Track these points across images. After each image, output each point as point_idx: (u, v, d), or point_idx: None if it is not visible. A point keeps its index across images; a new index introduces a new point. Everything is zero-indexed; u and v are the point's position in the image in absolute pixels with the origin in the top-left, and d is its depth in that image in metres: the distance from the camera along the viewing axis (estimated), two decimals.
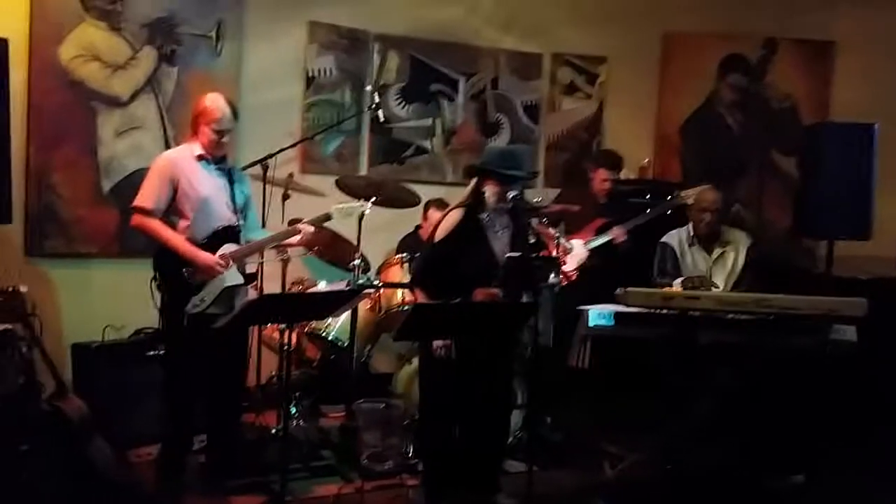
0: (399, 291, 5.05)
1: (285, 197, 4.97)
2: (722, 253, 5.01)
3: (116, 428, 4.27)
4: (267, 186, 4.86)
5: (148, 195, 4.06)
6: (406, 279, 5.01)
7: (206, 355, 4.06)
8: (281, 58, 5.76)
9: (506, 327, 3.79)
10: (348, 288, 4.58)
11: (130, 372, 4.69)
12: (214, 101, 4.13)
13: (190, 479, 4.20)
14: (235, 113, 4.21)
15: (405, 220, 5.74)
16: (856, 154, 5.01)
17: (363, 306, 4.97)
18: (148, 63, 5.24)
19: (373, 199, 4.48)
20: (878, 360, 4.58)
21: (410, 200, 5.27)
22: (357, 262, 4.65)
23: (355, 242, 4.83)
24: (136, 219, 4.08)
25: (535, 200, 3.88)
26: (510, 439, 4.52)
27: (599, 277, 4.96)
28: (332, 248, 5.23)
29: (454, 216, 3.97)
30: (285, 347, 4.05)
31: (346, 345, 4.92)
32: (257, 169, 4.78)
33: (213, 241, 4.10)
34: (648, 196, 5.58)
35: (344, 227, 4.76)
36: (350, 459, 4.52)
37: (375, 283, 5.09)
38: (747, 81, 6.68)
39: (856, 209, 5.00)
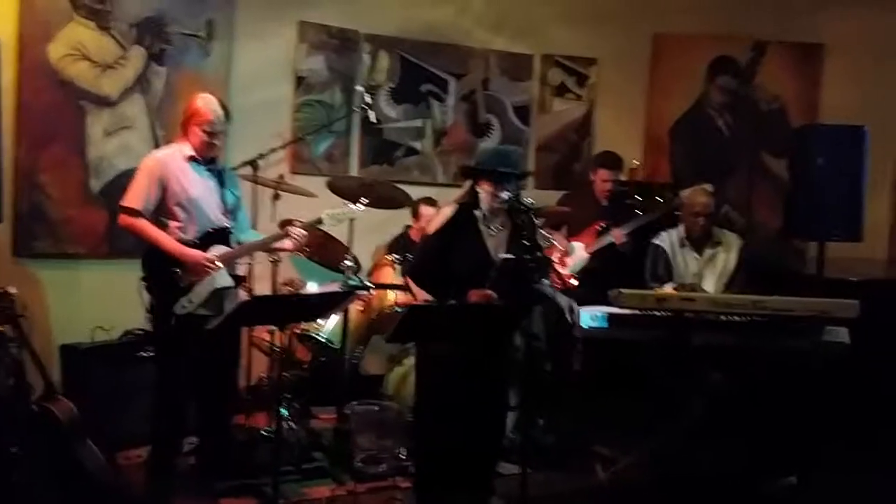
0: (391, 292, 5.03)
1: (275, 198, 4.95)
2: (713, 254, 5.02)
3: (106, 430, 4.21)
4: (257, 187, 4.86)
5: (136, 195, 4.02)
6: (398, 280, 5.00)
7: (196, 356, 4.04)
8: (271, 58, 5.73)
9: (500, 329, 3.78)
10: (343, 289, 4.56)
11: (120, 373, 4.65)
12: (207, 103, 4.10)
13: (180, 481, 4.16)
14: (228, 114, 4.18)
15: (396, 221, 5.73)
16: (847, 156, 5.02)
17: (355, 308, 4.96)
18: (137, 62, 5.20)
19: (364, 201, 4.45)
20: (869, 362, 4.58)
21: (402, 201, 5.25)
22: (349, 263, 4.63)
23: (345, 243, 4.82)
24: (124, 219, 4.05)
25: (529, 202, 3.86)
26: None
27: (594, 280, 4.97)
28: (322, 248, 5.21)
29: (448, 210, 3.99)
30: (276, 349, 4.04)
31: (337, 346, 4.90)
32: (247, 169, 4.76)
33: (203, 243, 4.07)
34: (643, 198, 5.59)
35: (334, 227, 4.73)
36: (343, 462, 4.49)
37: (368, 284, 5.06)
38: (736, 83, 6.70)
39: (848, 211, 5.01)
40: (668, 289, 4.71)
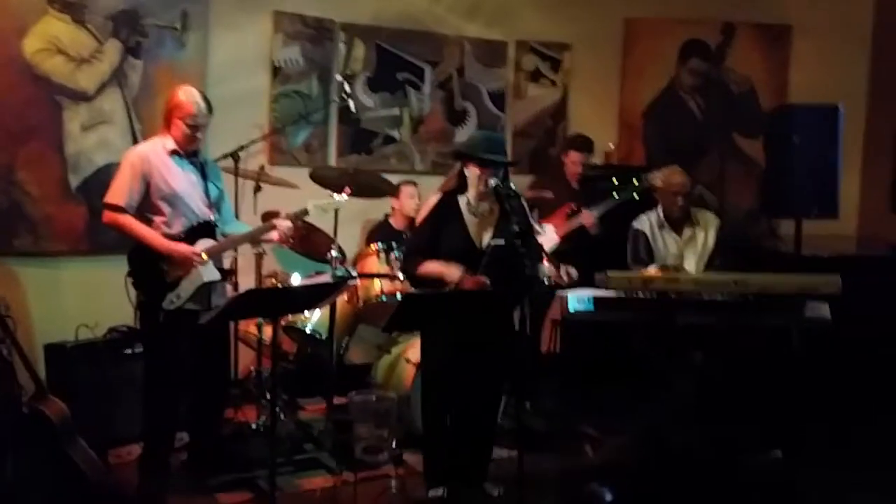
0: (377, 281, 5.03)
1: (257, 189, 4.94)
2: (692, 234, 5.07)
3: (95, 428, 4.19)
4: (238, 179, 4.84)
5: (119, 191, 3.98)
6: (383, 269, 5.00)
7: (185, 352, 4.02)
8: (247, 49, 5.69)
9: (494, 315, 3.80)
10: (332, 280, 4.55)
11: (107, 371, 4.59)
12: (189, 95, 4.05)
13: (174, 478, 4.15)
14: (210, 107, 4.15)
15: (378, 210, 5.75)
16: (822, 134, 5.12)
17: (341, 298, 4.95)
18: (113, 56, 5.13)
19: (348, 191, 4.44)
20: (849, 337, 4.67)
21: (385, 190, 5.26)
22: (334, 253, 4.62)
23: (329, 233, 4.82)
24: (108, 215, 4.00)
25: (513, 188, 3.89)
26: None
27: (564, 262, 5.01)
28: (304, 239, 5.19)
29: (432, 199, 4.02)
30: (263, 342, 4.01)
31: (324, 337, 4.90)
32: (227, 161, 4.73)
33: (189, 237, 4.04)
34: (616, 181, 5.62)
35: (318, 218, 4.73)
36: (341, 452, 4.49)
37: (355, 273, 5.05)
38: (707, 66, 6.79)
39: (824, 188, 5.11)
40: (651, 271, 4.76)
